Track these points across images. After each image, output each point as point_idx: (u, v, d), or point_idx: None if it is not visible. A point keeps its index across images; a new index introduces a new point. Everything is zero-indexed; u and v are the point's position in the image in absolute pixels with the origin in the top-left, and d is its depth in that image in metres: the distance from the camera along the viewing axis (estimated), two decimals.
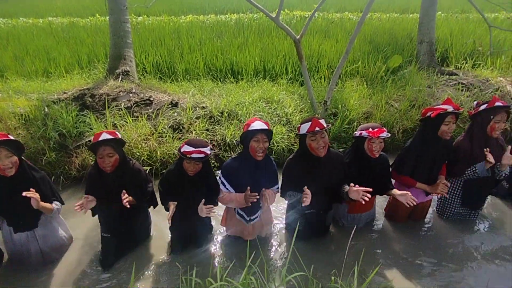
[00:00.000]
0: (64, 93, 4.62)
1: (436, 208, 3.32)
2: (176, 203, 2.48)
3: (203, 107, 4.58)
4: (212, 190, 2.59)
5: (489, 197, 3.47)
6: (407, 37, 6.92)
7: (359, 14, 10.04)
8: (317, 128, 2.34)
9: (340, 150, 3.67)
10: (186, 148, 2.32)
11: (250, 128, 2.37)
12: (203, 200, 2.41)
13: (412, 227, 3.12)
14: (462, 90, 4.87)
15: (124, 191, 2.34)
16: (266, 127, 2.40)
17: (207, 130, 4.28)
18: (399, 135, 4.32)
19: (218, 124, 4.37)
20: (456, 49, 6.40)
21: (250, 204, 2.44)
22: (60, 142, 3.96)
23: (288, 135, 4.17)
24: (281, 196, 2.74)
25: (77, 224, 3.08)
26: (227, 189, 2.57)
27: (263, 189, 2.51)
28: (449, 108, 2.53)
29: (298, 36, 3.86)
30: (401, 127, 4.32)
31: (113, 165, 2.39)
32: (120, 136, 2.45)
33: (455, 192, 3.09)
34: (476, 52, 6.11)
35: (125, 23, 5.32)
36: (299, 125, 2.47)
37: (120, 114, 4.24)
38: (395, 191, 2.61)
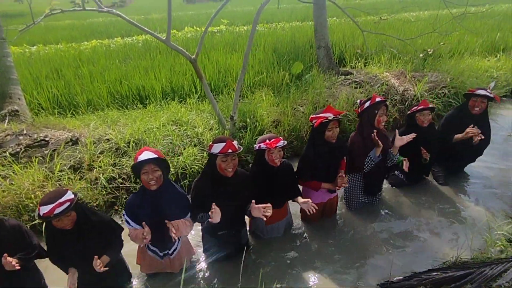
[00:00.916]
0: None
1: (344, 201, 3.58)
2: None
3: (108, 140, 4.24)
4: (107, 233, 2.35)
5: (386, 186, 3.86)
6: (308, 43, 7.38)
7: (265, 25, 10.48)
8: (229, 150, 2.30)
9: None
10: (44, 210, 1.97)
11: (137, 161, 2.22)
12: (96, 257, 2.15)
13: (326, 224, 3.32)
14: (356, 88, 5.33)
15: (6, 254, 2.01)
16: (153, 156, 2.24)
17: (114, 164, 3.95)
18: (307, 137, 4.50)
19: (126, 156, 4.07)
20: (349, 51, 7.04)
21: (145, 241, 2.25)
22: None
23: (201, 155, 4.06)
24: (192, 219, 2.61)
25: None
26: (131, 226, 2.37)
27: (166, 221, 2.35)
28: (330, 116, 2.69)
29: (194, 56, 3.80)
30: (308, 130, 4.52)
31: None
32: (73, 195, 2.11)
33: (357, 184, 3.36)
34: (355, 53, 6.81)
35: (6, 57, 4.73)
36: (211, 143, 2.39)
37: (4, 164, 3.69)
38: (299, 199, 2.73)
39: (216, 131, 4.27)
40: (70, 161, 3.91)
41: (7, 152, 3.88)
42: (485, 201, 3.56)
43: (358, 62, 6.65)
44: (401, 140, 3.05)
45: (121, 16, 3.71)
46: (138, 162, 2.21)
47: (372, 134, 2.90)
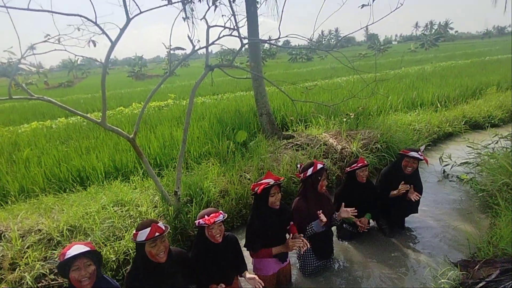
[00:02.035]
0: None
1: (299, 268, 3.50)
2: None
3: (39, 230, 3.84)
4: None
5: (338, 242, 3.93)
6: (251, 111, 7.80)
7: (212, 97, 11.00)
8: (157, 234, 2.18)
9: None
10: None
11: (64, 258, 2.00)
12: None
13: None
14: (297, 150, 5.60)
15: None
16: (86, 249, 2.04)
17: (44, 259, 3.53)
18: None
19: (59, 246, 3.68)
20: (289, 116, 7.56)
21: None
22: None
23: None
24: None
25: None
26: None
27: None
28: (271, 181, 2.76)
29: (132, 135, 3.79)
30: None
31: None
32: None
33: (308, 251, 3.31)
34: (290, 120, 7.38)
35: None
36: (135, 231, 2.24)
37: None
38: (246, 274, 2.62)
39: (161, 208, 4.10)
40: None
41: None
42: (428, 248, 3.74)
43: (299, 125, 7.10)
44: (346, 213, 3.16)
45: (51, 102, 3.65)
46: (67, 258, 1.99)
47: (318, 212, 3.01)
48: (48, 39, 3.42)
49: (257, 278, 2.51)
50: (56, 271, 3.51)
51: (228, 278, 2.74)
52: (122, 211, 4.11)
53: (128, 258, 3.61)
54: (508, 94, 9.92)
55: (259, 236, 2.88)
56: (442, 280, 2.95)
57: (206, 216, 2.50)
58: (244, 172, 4.91)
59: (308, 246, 2.88)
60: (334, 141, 5.98)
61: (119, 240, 3.75)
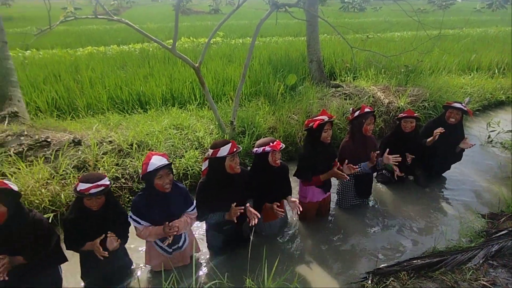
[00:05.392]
0: None
1: (336, 202, 3.86)
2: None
3: (110, 142, 4.39)
4: (121, 222, 2.54)
5: (376, 184, 4.22)
6: (301, 57, 7.78)
7: (260, 39, 10.89)
8: (235, 149, 2.58)
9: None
10: (82, 186, 2.23)
11: (149, 168, 2.38)
12: (110, 234, 2.36)
13: (321, 222, 3.60)
14: (345, 99, 5.72)
15: (2, 256, 2.14)
16: (166, 161, 2.43)
17: (117, 164, 4.11)
18: (301, 143, 4.82)
19: (129, 157, 4.24)
20: (339, 65, 7.49)
21: (170, 236, 2.47)
22: None
23: (201, 158, 4.27)
24: (199, 220, 2.82)
25: None
26: (141, 224, 2.53)
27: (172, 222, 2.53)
28: (325, 118, 3.01)
29: (197, 64, 4.06)
30: (302, 136, 4.84)
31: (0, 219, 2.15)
32: (10, 187, 2.22)
33: (349, 186, 3.66)
34: (344, 67, 7.28)
35: (7, 59, 4.82)
36: (213, 150, 2.61)
37: (10, 161, 3.80)
38: (289, 198, 3.02)
39: (216, 136, 4.51)
40: (73, 161, 4.04)
41: (11, 151, 3.99)
42: (459, 201, 3.97)
43: (348, 76, 7.10)
44: (387, 159, 3.37)
45: (129, 25, 3.95)
46: (154, 170, 2.36)
47: (372, 153, 3.27)
48: None
49: (297, 202, 2.89)
50: (126, 176, 4.12)
51: (278, 200, 3.13)
52: (181, 134, 4.57)
53: (188, 174, 4.12)
54: None
55: (310, 167, 3.21)
56: (468, 225, 3.24)
57: (271, 143, 2.82)
58: (293, 114, 5.16)
59: (354, 170, 3.18)
60: (382, 95, 5.99)
61: (179, 158, 4.24)
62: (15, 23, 16.34)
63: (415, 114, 3.76)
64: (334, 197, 3.89)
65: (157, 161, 2.39)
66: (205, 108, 5.47)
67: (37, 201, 3.53)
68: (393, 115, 5.63)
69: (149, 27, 14.52)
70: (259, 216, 2.62)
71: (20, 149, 4.06)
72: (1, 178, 3.50)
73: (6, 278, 2.09)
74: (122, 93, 5.88)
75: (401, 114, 3.84)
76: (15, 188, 2.24)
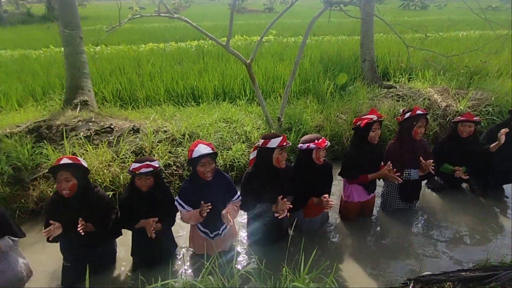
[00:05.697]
0: (17, 126, 4.53)
1: (380, 206, 3.75)
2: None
3: (165, 131, 4.73)
4: (169, 206, 2.73)
5: (425, 191, 4.00)
6: (353, 56, 7.60)
7: (312, 38, 10.80)
8: (284, 143, 2.66)
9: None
10: (134, 165, 2.47)
11: (194, 155, 2.54)
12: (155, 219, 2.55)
13: (362, 223, 3.52)
14: (398, 101, 5.48)
15: (80, 218, 2.40)
16: (210, 150, 2.56)
17: (170, 152, 4.41)
18: (347, 143, 4.75)
19: (181, 146, 4.52)
20: (393, 66, 7.17)
21: (204, 215, 2.57)
22: (14, 176, 3.88)
23: (248, 151, 4.42)
24: (243, 210, 2.93)
25: (38, 256, 3.06)
26: (185, 209, 2.70)
27: (222, 211, 2.65)
28: (374, 117, 2.94)
29: (249, 61, 4.20)
30: (349, 136, 4.77)
31: (71, 190, 2.43)
32: (82, 162, 2.52)
33: (394, 190, 3.53)
34: (399, 67, 6.92)
35: (81, 54, 5.37)
36: (263, 140, 2.70)
37: (80, 143, 4.27)
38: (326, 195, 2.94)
39: (263, 131, 4.63)
40: (132, 146, 4.42)
41: (81, 135, 4.48)
42: None
43: (402, 77, 6.78)
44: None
45: (188, 22, 4.20)
46: (198, 157, 2.52)
47: (422, 162, 3.11)
48: None
49: (327, 197, 2.84)
50: (178, 164, 4.41)
51: (319, 197, 3.12)
52: (230, 127, 4.76)
53: (234, 165, 4.29)
54: None
55: (355, 167, 3.17)
56: None
57: (316, 141, 2.84)
58: (341, 113, 5.09)
59: (400, 180, 3.07)
60: (439, 97, 5.64)
61: (226, 150, 4.43)
62: (89, 21, 18.03)
63: (475, 118, 3.50)
64: (379, 201, 3.79)
65: (202, 149, 2.54)
66: (254, 104, 5.62)
67: (99, 180, 3.93)
68: (450, 119, 5.27)
69: (205, 25, 15.12)
70: (289, 206, 2.64)
71: (88, 134, 4.54)
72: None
73: (82, 233, 2.37)
74: (178, 86, 6.25)
75: (458, 118, 3.60)
76: (85, 164, 2.56)
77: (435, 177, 3.93)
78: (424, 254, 3.07)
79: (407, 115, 3.22)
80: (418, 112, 3.18)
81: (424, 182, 3.90)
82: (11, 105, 5.66)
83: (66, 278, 2.73)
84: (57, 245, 2.67)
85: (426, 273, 2.68)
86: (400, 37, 4.23)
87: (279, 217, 2.66)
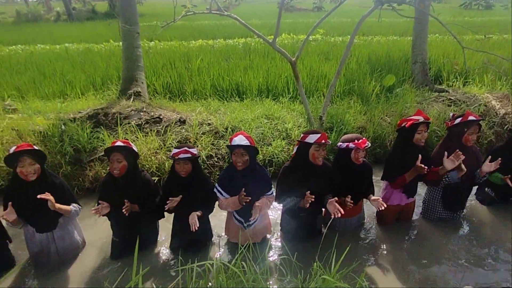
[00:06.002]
0: (79, 112, 5.01)
1: (421, 213, 3.58)
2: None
3: (209, 124, 4.94)
4: (208, 194, 2.86)
5: (473, 202, 3.76)
6: (403, 58, 7.28)
7: (361, 37, 10.52)
8: (323, 141, 2.67)
9: None
10: (175, 151, 2.64)
11: (232, 143, 2.65)
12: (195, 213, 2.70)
13: (399, 228, 3.40)
14: (449, 105, 5.16)
15: (126, 200, 2.62)
16: (246, 143, 2.61)
17: (212, 144, 4.61)
18: (390, 146, 4.60)
19: (223, 139, 4.70)
20: (448, 68, 6.75)
21: (243, 204, 2.67)
22: (75, 156, 4.31)
23: (287, 148, 4.47)
24: (276, 201, 3.00)
25: (91, 229, 3.40)
26: (223, 196, 2.83)
27: (255, 203, 2.73)
28: (420, 119, 2.83)
29: (294, 59, 4.23)
30: (392, 139, 4.62)
31: (121, 170, 2.67)
32: (133, 147, 2.76)
33: (436, 197, 3.36)
34: (454, 70, 6.46)
35: (137, 48, 5.77)
36: (303, 135, 2.75)
37: (132, 130, 4.62)
38: (371, 197, 2.90)
39: (304, 128, 4.65)
40: (178, 136, 4.67)
41: (132, 123, 4.83)
42: None
43: (457, 80, 6.36)
44: (488, 167, 3.02)
45: (237, 20, 4.35)
46: (232, 145, 2.64)
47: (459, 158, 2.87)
48: None
49: (380, 200, 2.76)
50: (219, 156, 4.59)
51: (356, 198, 3.01)
52: (271, 124, 4.84)
53: (273, 161, 4.37)
54: None
55: (397, 168, 3.03)
56: None
57: (356, 141, 2.80)
58: (385, 116, 4.94)
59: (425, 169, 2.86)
60: (498, 104, 5.22)
61: (267, 146, 4.52)
62: (145, 18, 19.15)
63: None
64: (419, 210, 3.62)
65: (239, 139, 2.62)
66: (296, 102, 5.65)
67: (147, 166, 4.23)
68: (508, 127, 4.87)
69: (254, 22, 15.35)
70: (342, 212, 2.56)
71: (139, 122, 4.89)
72: None
73: (126, 214, 2.61)
74: (224, 82, 6.47)
75: None
76: (136, 149, 2.79)
77: (486, 188, 3.67)
78: (464, 270, 2.86)
79: (458, 120, 3.03)
80: (470, 118, 2.98)
81: (473, 193, 3.66)
82: (76, 93, 6.27)
83: (114, 251, 3.01)
84: (108, 222, 2.95)
85: (466, 286, 2.54)
86: (455, 37, 3.99)
87: (332, 217, 2.58)
